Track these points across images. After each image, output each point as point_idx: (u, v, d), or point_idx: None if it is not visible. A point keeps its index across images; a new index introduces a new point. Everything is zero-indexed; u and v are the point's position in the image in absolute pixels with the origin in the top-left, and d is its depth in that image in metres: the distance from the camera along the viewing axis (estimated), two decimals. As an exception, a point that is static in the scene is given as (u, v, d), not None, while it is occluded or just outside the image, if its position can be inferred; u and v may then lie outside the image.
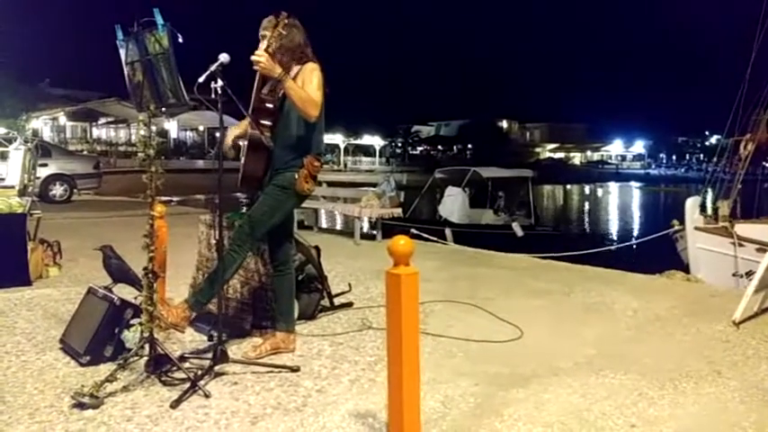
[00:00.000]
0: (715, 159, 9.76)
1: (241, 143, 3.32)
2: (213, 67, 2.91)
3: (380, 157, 56.21)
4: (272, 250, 3.45)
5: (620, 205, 36.42)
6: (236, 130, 3.40)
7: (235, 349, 3.39)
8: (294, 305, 3.50)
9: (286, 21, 3.21)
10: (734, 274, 6.68)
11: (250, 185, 3.33)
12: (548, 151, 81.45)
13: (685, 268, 7.69)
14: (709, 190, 9.21)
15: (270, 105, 3.23)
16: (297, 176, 3.21)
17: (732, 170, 8.82)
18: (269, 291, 3.62)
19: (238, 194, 4.00)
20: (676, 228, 8.32)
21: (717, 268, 7.11)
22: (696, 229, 7.62)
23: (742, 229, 7.31)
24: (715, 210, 8.00)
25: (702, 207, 8.08)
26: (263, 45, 3.18)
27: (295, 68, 3.23)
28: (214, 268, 3.35)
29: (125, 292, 3.50)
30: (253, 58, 3.04)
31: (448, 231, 12.36)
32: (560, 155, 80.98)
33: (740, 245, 6.98)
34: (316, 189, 3.68)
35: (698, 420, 2.64)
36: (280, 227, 3.38)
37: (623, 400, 2.81)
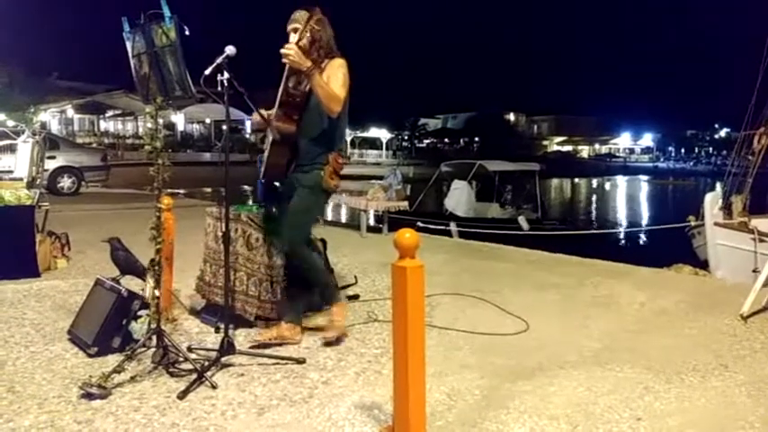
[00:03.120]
0: (731, 153, 9.58)
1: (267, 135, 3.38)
2: (219, 60, 2.92)
3: (387, 149, 56.09)
4: (287, 244, 3.48)
5: (629, 199, 36.24)
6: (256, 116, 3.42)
7: (241, 341, 3.41)
8: (303, 298, 3.52)
9: (319, 16, 3.25)
10: (754, 270, 6.57)
11: (273, 177, 3.43)
12: (555, 144, 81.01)
13: (702, 264, 7.61)
14: (718, 184, 9.09)
15: (297, 99, 3.28)
16: (323, 174, 3.28)
17: (745, 164, 8.68)
18: (274, 283, 3.63)
19: (245, 187, 4.01)
20: (693, 224, 8.22)
21: (737, 264, 6.99)
22: (716, 224, 7.51)
23: (762, 224, 7.20)
24: (728, 205, 7.88)
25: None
26: (293, 38, 3.21)
27: (324, 62, 3.27)
28: (293, 285, 3.52)
29: (132, 283, 3.53)
30: (282, 51, 3.06)
31: (453, 225, 12.33)
32: (568, 148, 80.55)
33: (761, 240, 6.89)
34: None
35: (704, 414, 2.63)
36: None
37: (629, 394, 2.81)
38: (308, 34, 3.19)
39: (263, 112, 3.35)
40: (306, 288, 3.53)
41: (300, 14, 3.28)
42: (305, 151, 3.31)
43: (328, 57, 3.29)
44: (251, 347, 3.30)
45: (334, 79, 3.20)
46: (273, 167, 3.33)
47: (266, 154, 3.34)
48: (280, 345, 3.33)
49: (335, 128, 3.32)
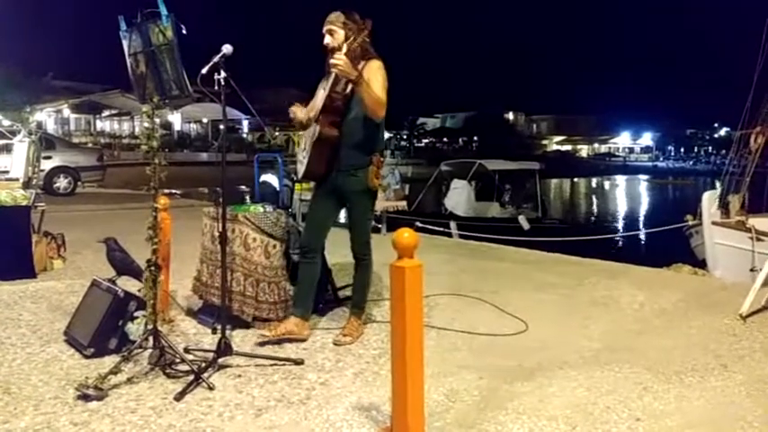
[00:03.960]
0: (730, 152, 9.56)
1: (307, 136, 3.42)
2: (216, 58, 2.90)
3: (385, 149, 55.99)
4: (307, 239, 3.54)
5: (628, 198, 36.29)
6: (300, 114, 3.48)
7: (238, 342, 3.39)
8: (313, 294, 3.55)
9: (356, 18, 3.31)
10: (752, 269, 6.55)
11: (311, 178, 3.51)
12: (554, 143, 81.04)
13: (700, 264, 7.59)
14: (718, 183, 9.07)
15: (338, 103, 3.32)
16: (369, 175, 3.35)
17: (743, 163, 8.67)
18: (272, 283, 3.62)
19: (242, 187, 4.00)
20: (691, 223, 8.20)
21: (735, 263, 6.96)
22: (713, 223, 7.49)
23: (759, 223, 7.19)
24: (725, 204, 7.85)
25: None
26: (328, 40, 3.30)
27: (360, 63, 3.28)
28: (359, 280, 3.59)
29: (129, 284, 3.51)
30: (332, 61, 3.10)
31: (453, 224, 12.32)
32: (567, 147, 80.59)
33: (758, 239, 6.87)
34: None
35: (704, 414, 2.62)
36: (323, 218, 3.52)
37: (629, 394, 2.80)
38: (358, 45, 3.23)
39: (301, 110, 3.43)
40: (317, 285, 3.57)
41: (335, 16, 3.31)
42: (347, 154, 3.35)
43: (364, 58, 3.31)
44: (258, 344, 3.32)
45: (375, 82, 3.23)
46: (313, 171, 3.40)
47: (306, 155, 3.37)
48: (287, 338, 3.34)
49: (376, 131, 3.38)
